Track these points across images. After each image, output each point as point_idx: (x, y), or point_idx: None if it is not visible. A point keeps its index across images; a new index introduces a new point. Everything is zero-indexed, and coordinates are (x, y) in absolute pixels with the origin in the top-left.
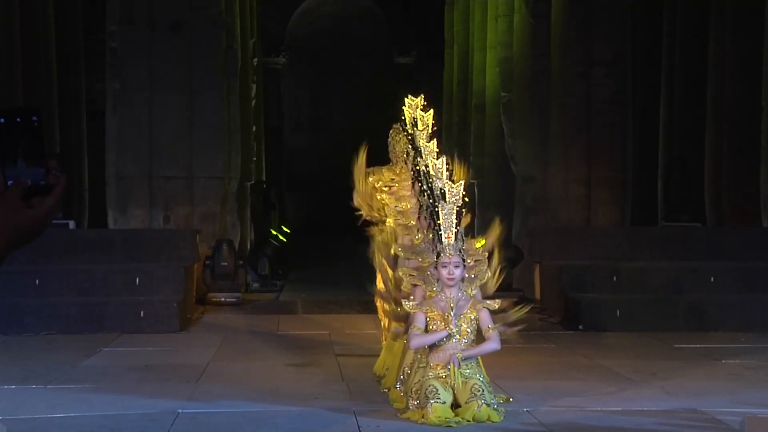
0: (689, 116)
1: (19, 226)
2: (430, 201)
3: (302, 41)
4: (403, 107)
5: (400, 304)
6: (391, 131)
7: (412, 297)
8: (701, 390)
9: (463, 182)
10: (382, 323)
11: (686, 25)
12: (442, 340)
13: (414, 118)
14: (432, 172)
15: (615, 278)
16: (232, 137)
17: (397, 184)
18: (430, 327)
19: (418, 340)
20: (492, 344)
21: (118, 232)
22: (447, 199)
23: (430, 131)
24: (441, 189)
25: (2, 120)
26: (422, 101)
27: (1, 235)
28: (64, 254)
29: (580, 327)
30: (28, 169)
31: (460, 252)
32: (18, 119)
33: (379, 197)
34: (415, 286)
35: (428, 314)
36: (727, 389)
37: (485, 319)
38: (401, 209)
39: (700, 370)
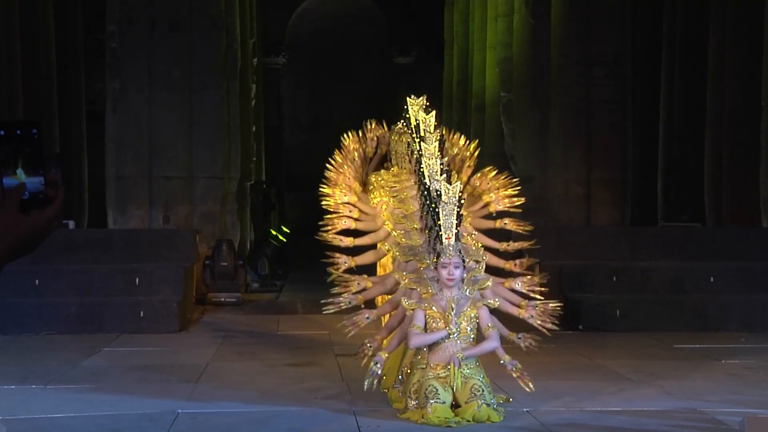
0: (689, 116)
1: (17, 234)
2: (428, 202)
3: (302, 41)
4: (406, 107)
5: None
6: (391, 132)
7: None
8: (701, 390)
9: (460, 183)
10: (383, 324)
11: (686, 25)
12: (442, 339)
13: (417, 120)
14: (428, 174)
15: (615, 278)
16: (232, 137)
17: (398, 184)
18: (431, 325)
19: (418, 339)
20: (492, 343)
21: (118, 232)
22: (446, 201)
23: (433, 133)
24: (438, 190)
25: (2, 132)
26: (424, 102)
27: None
28: (64, 254)
29: (580, 327)
30: (27, 180)
31: (459, 253)
32: (18, 131)
33: (379, 194)
34: (411, 289)
35: (428, 312)
36: (727, 389)
37: (485, 317)
38: (405, 213)
39: (700, 370)
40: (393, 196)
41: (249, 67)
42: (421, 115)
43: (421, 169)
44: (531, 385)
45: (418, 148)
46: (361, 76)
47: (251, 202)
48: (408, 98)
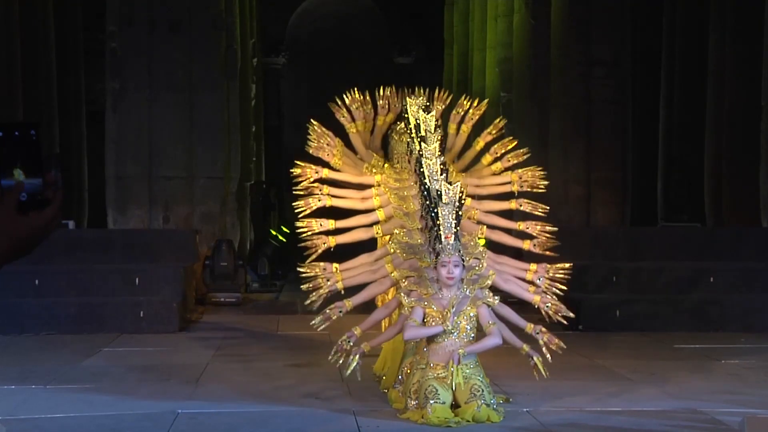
0: (689, 116)
1: (15, 235)
2: (427, 202)
3: (302, 41)
4: (405, 106)
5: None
6: (391, 132)
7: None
8: (701, 390)
9: (460, 183)
10: (383, 324)
11: (686, 25)
12: (439, 337)
13: (417, 119)
14: (428, 174)
15: (615, 278)
16: (232, 137)
17: (399, 183)
18: (429, 323)
19: (413, 331)
20: (493, 339)
21: (118, 232)
22: (446, 201)
23: (433, 132)
24: (438, 190)
25: (0, 134)
26: (424, 101)
27: None
28: (63, 254)
29: (580, 327)
30: (26, 182)
31: (459, 252)
32: (16, 133)
33: (378, 174)
34: (410, 290)
35: (426, 310)
36: (727, 389)
37: (485, 315)
38: (407, 211)
39: (700, 370)
40: (394, 193)
41: (249, 68)
42: (421, 114)
43: (421, 170)
44: (544, 364)
45: (418, 148)
46: (361, 77)
47: (251, 202)
48: (408, 98)
